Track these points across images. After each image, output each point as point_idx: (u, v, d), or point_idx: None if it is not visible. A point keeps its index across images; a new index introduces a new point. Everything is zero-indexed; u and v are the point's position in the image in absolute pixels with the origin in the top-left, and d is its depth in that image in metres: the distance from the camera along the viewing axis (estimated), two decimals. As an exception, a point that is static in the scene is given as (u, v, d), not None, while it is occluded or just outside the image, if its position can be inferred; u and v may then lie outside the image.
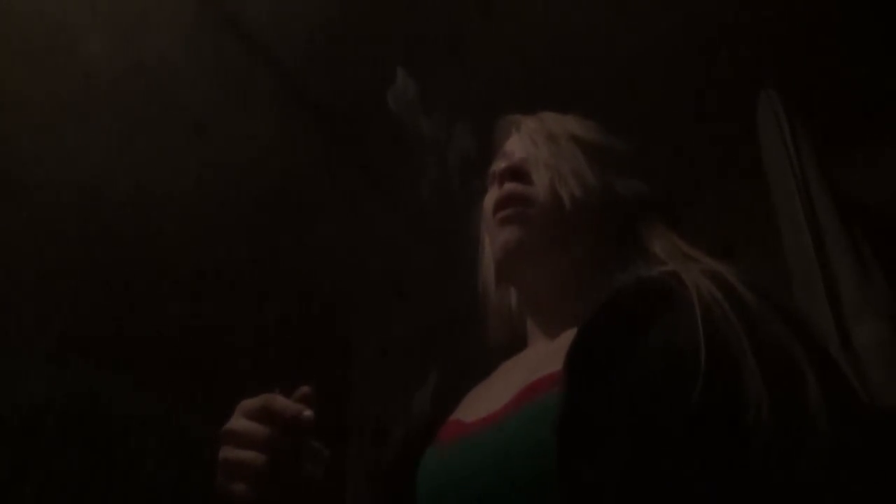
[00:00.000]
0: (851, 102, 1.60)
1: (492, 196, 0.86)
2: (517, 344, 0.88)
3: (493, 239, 0.85)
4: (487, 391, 0.79)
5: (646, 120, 1.59)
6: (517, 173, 0.84)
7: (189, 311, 2.20)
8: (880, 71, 1.56)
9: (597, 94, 1.56)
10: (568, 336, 0.68)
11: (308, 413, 0.69)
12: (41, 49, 1.62)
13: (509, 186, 0.83)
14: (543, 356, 0.75)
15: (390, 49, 1.58)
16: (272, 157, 1.91)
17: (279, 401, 0.70)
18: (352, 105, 1.75)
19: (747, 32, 1.57)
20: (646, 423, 0.59)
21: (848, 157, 1.54)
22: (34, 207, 1.94)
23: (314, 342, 2.25)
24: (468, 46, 1.63)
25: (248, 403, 0.71)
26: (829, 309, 1.29)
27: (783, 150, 1.41)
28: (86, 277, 2.10)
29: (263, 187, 1.99)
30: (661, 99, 1.66)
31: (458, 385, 0.84)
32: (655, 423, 0.58)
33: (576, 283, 0.81)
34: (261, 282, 2.19)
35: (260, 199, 2.01)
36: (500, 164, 0.86)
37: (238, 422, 0.70)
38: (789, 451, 0.57)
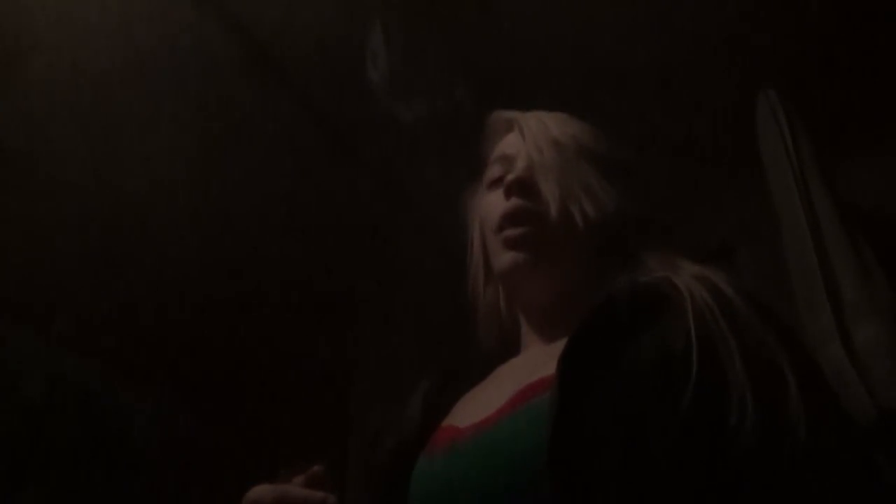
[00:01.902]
0: (851, 103, 1.59)
1: (495, 205, 0.83)
2: (511, 348, 0.88)
3: (496, 255, 0.82)
4: (481, 396, 0.79)
5: (644, 120, 1.59)
6: (525, 186, 0.80)
7: (190, 308, 2.20)
8: (881, 71, 1.55)
9: (595, 95, 1.56)
10: (563, 340, 0.68)
11: (332, 499, 0.66)
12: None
13: (517, 202, 0.80)
14: (538, 360, 0.75)
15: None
16: (274, 159, 1.91)
17: (298, 494, 0.67)
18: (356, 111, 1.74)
19: (747, 33, 1.56)
20: (637, 426, 0.59)
21: (848, 157, 1.53)
22: (36, 199, 1.93)
23: (314, 345, 2.25)
24: (466, 39, 1.62)
25: (260, 496, 0.67)
26: (829, 309, 1.28)
27: (783, 151, 1.41)
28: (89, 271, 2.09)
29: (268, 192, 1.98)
30: (660, 99, 1.66)
31: (451, 390, 0.84)
32: (646, 426, 0.59)
33: (573, 291, 0.80)
34: (260, 282, 2.19)
35: (263, 203, 2.01)
36: (505, 174, 0.83)
37: None
38: (768, 455, 0.58)
